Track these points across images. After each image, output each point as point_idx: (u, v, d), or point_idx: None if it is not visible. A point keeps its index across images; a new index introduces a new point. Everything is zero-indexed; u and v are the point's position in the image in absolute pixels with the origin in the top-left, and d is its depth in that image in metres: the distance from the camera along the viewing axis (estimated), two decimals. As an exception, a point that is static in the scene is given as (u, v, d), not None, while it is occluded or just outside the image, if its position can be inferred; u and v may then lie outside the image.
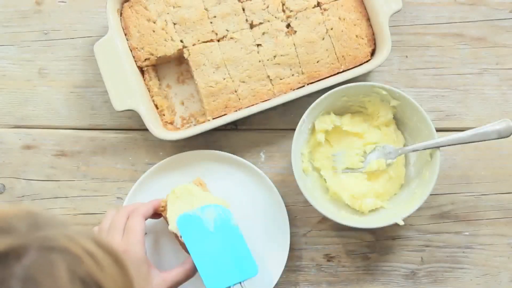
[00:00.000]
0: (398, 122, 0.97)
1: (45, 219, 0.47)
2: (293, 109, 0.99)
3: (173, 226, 0.86)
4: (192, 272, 0.86)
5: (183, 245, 0.87)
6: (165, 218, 0.88)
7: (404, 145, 0.96)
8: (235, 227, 0.88)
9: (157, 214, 0.89)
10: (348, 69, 0.96)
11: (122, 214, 0.85)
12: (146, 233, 0.89)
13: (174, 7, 0.95)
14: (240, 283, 0.85)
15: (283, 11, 0.95)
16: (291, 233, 0.95)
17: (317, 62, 0.95)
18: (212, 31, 0.95)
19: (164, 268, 0.93)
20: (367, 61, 0.96)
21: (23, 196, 0.98)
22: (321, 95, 0.90)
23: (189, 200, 0.88)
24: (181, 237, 0.86)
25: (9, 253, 0.43)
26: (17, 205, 0.48)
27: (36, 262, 0.43)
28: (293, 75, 0.95)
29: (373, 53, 0.97)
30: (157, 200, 0.89)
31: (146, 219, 0.86)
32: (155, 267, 0.84)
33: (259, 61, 0.95)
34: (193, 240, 0.85)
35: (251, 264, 0.87)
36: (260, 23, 0.95)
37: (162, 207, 0.89)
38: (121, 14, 0.96)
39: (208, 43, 0.95)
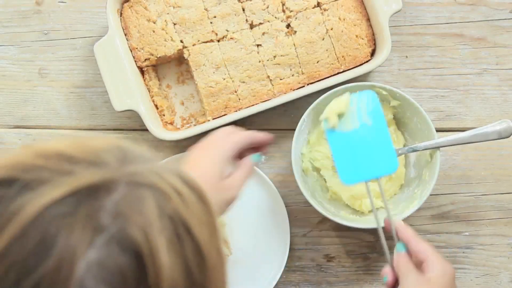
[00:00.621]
0: (398, 122, 0.97)
1: (134, 154, 0.47)
2: (293, 109, 0.99)
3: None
4: (252, 169, 0.82)
5: None
6: None
7: (404, 145, 0.96)
8: (382, 118, 0.83)
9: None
10: (348, 69, 0.96)
11: (238, 139, 0.80)
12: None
13: (174, 7, 0.95)
14: (377, 178, 0.82)
15: (283, 11, 0.95)
16: (291, 233, 0.95)
17: (317, 62, 0.95)
18: (212, 31, 0.95)
19: None
20: (367, 61, 0.96)
21: (23, 196, 0.98)
22: (321, 95, 0.90)
23: None
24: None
25: (99, 187, 0.43)
26: (107, 138, 0.48)
27: (125, 197, 0.43)
28: (293, 75, 0.95)
29: (373, 53, 0.97)
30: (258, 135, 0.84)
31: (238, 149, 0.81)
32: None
33: (259, 61, 0.95)
34: (337, 142, 0.83)
35: (391, 161, 0.83)
36: (260, 23, 0.95)
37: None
38: (121, 14, 0.96)
39: (208, 43, 0.95)
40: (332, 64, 0.96)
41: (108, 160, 0.45)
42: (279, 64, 0.95)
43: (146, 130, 0.94)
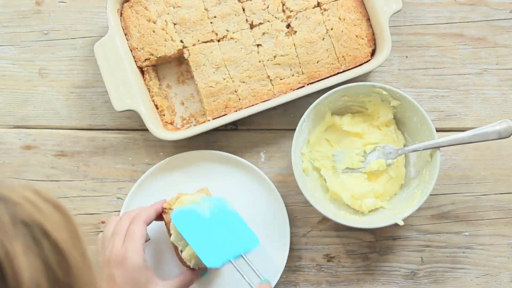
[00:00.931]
0: (398, 122, 0.97)
1: None
2: (293, 109, 0.99)
3: (174, 238, 0.86)
4: (192, 280, 0.87)
5: (181, 260, 0.87)
6: (167, 226, 0.88)
7: (404, 145, 0.96)
8: (232, 210, 0.88)
9: (161, 216, 0.89)
10: (348, 69, 0.96)
11: (125, 220, 0.86)
12: (149, 239, 0.89)
13: (174, 7, 0.95)
14: (242, 256, 0.84)
15: (283, 11, 0.95)
16: (291, 233, 0.95)
17: (317, 62, 0.95)
18: (212, 31, 0.95)
19: (165, 273, 0.93)
20: (367, 61, 0.96)
21: (23, 196, 0.98)
22: (321, 95, 0.90)
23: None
24: (181, 251, 0.86)
25: None
26: None
27: None
28: (293, 75, 0.95)
29: (373, 53, 0.97)
30: (159, 202, 0.89)
31: (148, 224, 0.87)
32: (156, 276, 0.85)
33: (259, 61, 0.95)
34: (190, 230, 0.84)
35: (251, 238, 0.87)
36: (260, 23, 0.95)
37: (165, 208, 0.89)
38: (121, 14, 0.96)
39: (208, 43, 0.95)
40: (332, 64, 0.96)
41: None
42: (279, 64, 0.95)
43: (146, 130, 0.94)
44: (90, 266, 0.53)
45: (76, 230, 0.52)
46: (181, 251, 0.86)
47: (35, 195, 0.50)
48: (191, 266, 0.86)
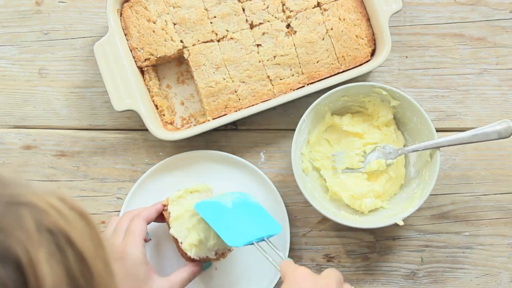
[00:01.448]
0: (398, 122, 0.97)
1: (10, 180, 0.50)
2: (293, 109, 0.99)
3: (173, 230, 0.87)
4: (194, 274, 0.86)
5: (182, 252, 0.87)
6: (167, 221, 0.89)
7: (404, 145, 0.96)
8: (254, 202, 0.90)
9: (161, 217, 0.89)
10: (348, 69, 0.96)
11: (125, 218, 0.86)
12: (150, 239, 0.89)
13: (174, 7, 0.95)
14: (265, 239, 0.84)
15: (283, 11, 0.95)
16: (291, 233, 0.95)
17: (317, 62, 0.95)
18: (212, 31, 0.95)
19: (166, 272, 0.93)
20: (367, 61, 0.96)
21: (23, 196, 0.98)
22: (321, 95, 0.90)
23: (191, 201, 0.89)
24: (181, 243, 0.86)
25: None
26: None
27: (3, 215, 0.46)
28: (293, 75, 0.95)
29: (373, 53, 0.97)
30: (160, 202, 0.89)
31: (149, 223, 0.87)
32: (156, 272, 0.85)
33: (259, 61, 0.95)
34: (212, 217, 0.85)
35: (273, 224, 0.88)
36: (260, 23, 0.95)
37: (165, 205, 0.89)
38: (121, 14, 0.96)
39: (208, 43, 0.95)
40: (332, 64, 0.96)
41: None
42: (279, 64, 0.95)
43: (146, 130, 0.94)
44: (113, 275, 0.52)
45: (100, 239, 0.52)
46: (181, 243, 0.86)
47: (61, 202, 0.50)
48: (192, 256, 0.86)
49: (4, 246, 0.45)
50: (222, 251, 0.89)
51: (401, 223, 0.89)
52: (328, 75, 0.96)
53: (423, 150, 0.91)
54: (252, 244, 0.83)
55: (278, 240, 0.95)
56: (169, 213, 0.88)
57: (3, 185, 0.49)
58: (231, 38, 0.95)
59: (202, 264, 0.89)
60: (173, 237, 0.87)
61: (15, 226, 0.46)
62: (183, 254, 0.87)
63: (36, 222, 0.47)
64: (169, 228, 0.87)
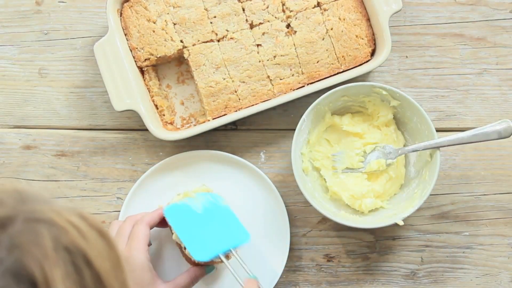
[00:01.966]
0: (398, 122, 0.97)
1: (31, 195, 0.50)
2: (293, 109, 0.99)
3: (176, 236, 0.87)
4: (197, 277, 0.87)
5: (186, 257, 0.87)
6: (170, 227, 0.89)
7: (404, 145, 0.96)
8: (225, 206, 0.89)
9: (164, 222, 0.89)
10: (348, 69, 0.96)
11: (128, 223, 0.86)
12: (151, 244, 0.89)
13: (174, 7, 0.95)
14: (231, 250, 0.84)
15: (283, 11, 0.95)
16: (291, 233, 0.95)
17: (317, 62, 0.95)
18: (212, 31, 0.95)
19: (168, 276, 0.93)
20: (367, 61, 0.96)
21: (23, 196, 0.98)
22: (321, 95, 0.90)
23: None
24: (184, 248, 0.86)
25: None
26: (3, 182, 0.51)
27: (21, 231, 0.45)
28: (293, 75, 0.95)
29: (373, 53, 0.97)
30: (161, 208, 0.89)
31: (152, 227, 0.87)
32: (159, 276, 0.85)
33: (259, 61, 0.95)
34: (181, 224, 0.85)
35: (242, 233, 0.87)
36: (260, 23, 0.95)
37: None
38: (121, 14, 0.96)
39: (208, 43, 0.95)
40: (332, 64, 0.96)
41: (5, 200, 0.48)
42: (279, 64, 0.95)
43: (146, 130, 0.94)
44: None
45: (118, 259, 0.51)
46: (185, 248, 0.86)
47: (81, 220, 0.49)
48: (196, 261, 0.86)
49: (20, 263, 0.44)
50: (227, 254, 0.90)
51: (401, 223, 0.89)
52: (328, 75, 0.96)
53: (423, 150, 0.91)
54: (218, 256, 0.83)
55: (278, 240, 0.95)
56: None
57: (23, 201, 0.48)
58: (231, 38, 0.95)
59: (205, 268, 0.89)
60: (177, 242, 0.87)
61: (32, 243, 0.45)
62: (188, 259, 0.87)
63: (54, 240, 0.46)
64: (172, 233, 0.87)
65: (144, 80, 0.97)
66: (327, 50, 0.95)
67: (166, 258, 0.95)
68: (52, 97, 1.00)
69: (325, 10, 0.95)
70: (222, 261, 0.87)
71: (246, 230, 0.87)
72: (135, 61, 0.95)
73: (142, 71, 0.97)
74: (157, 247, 0.95)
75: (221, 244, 0.84)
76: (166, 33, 0.95)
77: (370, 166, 0.95)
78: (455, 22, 1.00)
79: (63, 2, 1.01)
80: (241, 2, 0.95)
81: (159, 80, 0.99)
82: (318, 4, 0.96)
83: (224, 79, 0.95)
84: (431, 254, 0.98)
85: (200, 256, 0.82)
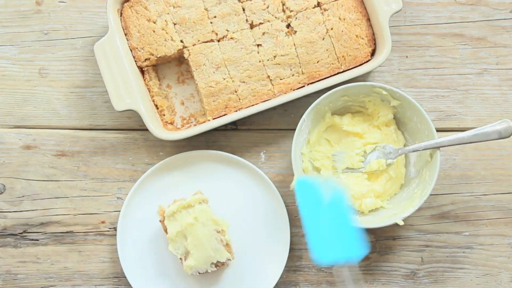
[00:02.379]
0: (398, 122, 0.97)
1: None
2: (293, 109, 0.99)
3: (172, 248, 0.90)
4: None
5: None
6: (165, 230, 0.91)
7: (404, 145, 0.96)
8: (348, 207, 0.86)
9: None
10: (348, 69, 0.96)
11: None
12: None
13: (174, 7, 0.95)
14: (347, 261, 0.82)
15: (283, 11, 0.95)
16: (291, 233, 0.95)
17: (317, 62, 0.95)
18: (212, 31, 0.95)
19: (166, 272, 0.94)
20: (367, 61, 0.96)
21: (23, 196, 0.98)
22: (321, 95, 0.90)
23: (185, 217, 0.90)
24: (180, 259, 0.88)
25: None
26: None
27: None
28: (293, 75, 0.95)
29: (373, 53, 0.97)
30: None
31: None
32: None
33: (259, 61, 0.95)
34: (307, 206, 0.83)
35: (360, 244, 0.83)
36: (260, 23, 0.95)
37: (162, 211, 0.91)
38: (121, 14, 0.96)
39: (208, 43, 0.95)
40: (332, 64, 0.96)
41: None
42: (279, 64, 0.95)
43: (146, 130, 0.94)
44: None
45: None
46: (180, 259, 0.90)
47: None
48: (192, 274, 0.90)
49: None
50: (223, 261, 0.90)
51: (401, 223, 0.89)
52: (328, 75, 0.96)
53: (423, 150, 0.91)
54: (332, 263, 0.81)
55: (278, 240, 0.95)
56: (166, 227, 0.91)
57: None
58: (231, 38, 0.95)
59: None
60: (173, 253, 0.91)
61: None
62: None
63: None
64: (168, 244, 0.90)
65: (144, 80, 0.97)
66: (327, 50, 0.95)
67: (164, 253, 0.95)
68: (52, 97, 1.00)
69: (325, 10, 0.95)
70: (217, 269, 0.90)
71: (364, 242, 0.83)
72: (135, 61, 0.95)
73: (142, 71, 0.97)
74: (155, 243, 0.95)
75: (343, 252, 0.81)
76: (166, 33, 0.95)
77: (370, 166, 0.95)
78: (455, 22, 1.00)
79: (63, 2, 1.01)
80: (241, 2, 0.95)
81: (159, 80, 0.99)
82: (318, 4, 0.96)
83: (224, 79, 0.95)
84: (431, 254, 0.98)
85: (320, 259, 0.80)
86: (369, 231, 0.98)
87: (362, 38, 0.96)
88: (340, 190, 0.85)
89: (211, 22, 0.95)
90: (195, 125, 0.98)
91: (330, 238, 0.82)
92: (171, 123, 0.98)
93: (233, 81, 0.95)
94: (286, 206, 0.95)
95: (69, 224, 0.98)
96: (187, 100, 0.99)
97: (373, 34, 0.96)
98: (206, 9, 0.95)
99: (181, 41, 0.95)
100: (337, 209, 0.84)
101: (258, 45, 0.95)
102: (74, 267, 0.98)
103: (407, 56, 1.00)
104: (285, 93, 0.95)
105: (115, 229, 0.98)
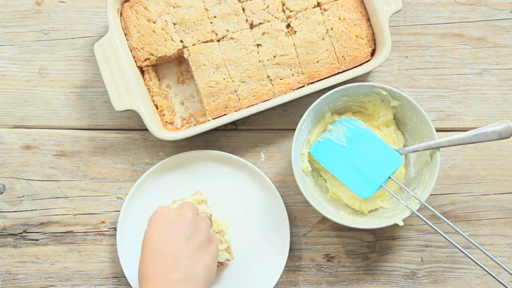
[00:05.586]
0: (398, 122, 0.97)
1: None
2: (293, 109, 0.99)
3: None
4: None
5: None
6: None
7: (404, 146, 0.96)
8: (366, 130, 0.91)
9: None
10: (348, 69, 0.96)
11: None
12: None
13: (174, 7, 0.95)
14: (391, 177, 0.87)
15: (283, 11, 0.95)
16: (291, 233, 0.95)
17: (317, 62, 0.95)
18: (212, 31, 0.95)
19: None
20: (367, 61, 0.96)
21: (23, 196, 0.98)
22: (321, 95, 0.90)
23: None
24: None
25: None
26: None
27: None
28: (293, 75, 0.95)
29: (373, 53, 0.97)
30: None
31: None
32: None
33: (259, 61, 0.95)
34: (331, 161, 0.89)
35: (393, 155, 0.89)
36: (260, 23, 0.95)
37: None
38: (121, 14, 0.96)
39: (208, 43, 0.95)
40: (332, 64, 0.96)
41: None
42: (279, 64, 0.95)
43: (146, 130, 0.94)
44: None
45: None
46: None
47: None
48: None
49: None
50: (222, 262, 0.90)
51: (401, 223, 0.89)
52: (328, 75, 0.96)
53: (423, 150, 0.91)
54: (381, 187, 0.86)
55: (278, 240, 0.95)
56: None
57: None
58: (231, 38, 0.95)
59: None
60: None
61: None
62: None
63: None
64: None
65: (144, 80, 0.97)
66: (327, 50, 0.95)
67: None
68: (52, 97, 1.00)
69: (325, 10, 0.96)
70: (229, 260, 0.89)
71: (396, 151, 0.89)
72: (135, 61, 0.95)
73: (142, 71, 0.97)
74: None
75: (380, 174, 0.87)
76: (166, 33, 0.95)
77: (370, 166, 0.95)
78: (455, 22, 1.00)
79: (63, 2, 1.01)
80: (241, 2, 0.95)
81: (159, 80, 0.99)
82: (318, 4, 0.96)
83: (224, 79, 0.95)
84: (431, 254, 0.98)
85: (365, 193, 0.86)
86: (369, 231, 0.98)
87: (362, 38, 0.96)
88: (350, 121, 0.91)
89: (211, 22, 0.95)
90: (195, 125, 0.98)
91: (365, 167, 0.88)
92: (171, 123, 0.98)
93: (233, 81, 0.95)
94: (286, 206, 0.95)
95: (69, 224, 0.98)
96: (187, 100, 0.99)
97: (373, 34, 0.97)
98: (206, 9, 0.95)
99: (181, 41, 0.95)
100: (358, 139, 0.90)
101: (258, 45, 0.95)
102: (74, 267, 0.98)
103: (407, 56, 1.00)
104: (285, 93, 0.95)
105: (114, 229, 0.98)
